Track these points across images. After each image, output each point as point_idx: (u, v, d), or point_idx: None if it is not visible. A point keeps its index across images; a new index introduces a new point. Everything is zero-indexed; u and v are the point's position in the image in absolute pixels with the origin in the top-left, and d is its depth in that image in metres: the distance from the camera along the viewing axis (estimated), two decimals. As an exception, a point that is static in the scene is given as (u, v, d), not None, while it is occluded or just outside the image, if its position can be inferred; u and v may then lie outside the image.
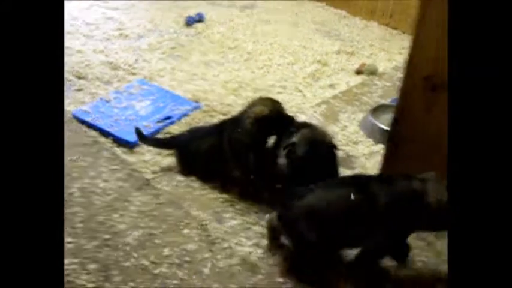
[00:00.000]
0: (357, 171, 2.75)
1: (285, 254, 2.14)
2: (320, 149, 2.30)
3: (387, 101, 3.38)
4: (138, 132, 2.71)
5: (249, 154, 2.46)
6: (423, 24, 2.08)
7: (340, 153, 2.86)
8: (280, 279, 2.05)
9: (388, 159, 2.42)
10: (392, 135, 2.36)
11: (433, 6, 2.02)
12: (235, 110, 3.19)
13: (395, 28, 4.70)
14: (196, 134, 2.70)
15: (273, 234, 2.16)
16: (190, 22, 4.51)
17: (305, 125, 2.48)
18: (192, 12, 4.64)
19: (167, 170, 2.68)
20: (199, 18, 4.59)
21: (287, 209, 2.01)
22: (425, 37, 2.12)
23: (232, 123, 2.52)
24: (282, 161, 2.32)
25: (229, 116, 2.86)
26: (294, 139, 2.28)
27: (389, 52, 4.26)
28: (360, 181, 2.04)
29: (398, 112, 2.30)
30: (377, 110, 3.16)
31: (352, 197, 1.91)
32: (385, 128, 2.87)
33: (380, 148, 2.90)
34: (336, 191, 2.00)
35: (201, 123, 3.09)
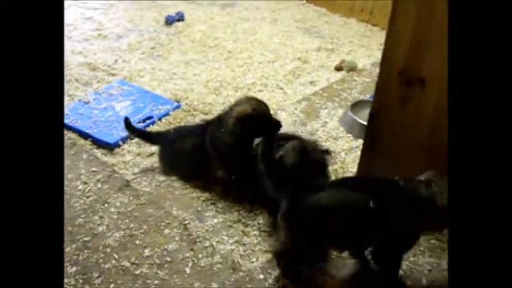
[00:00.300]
0: (337, 166, 2.77)
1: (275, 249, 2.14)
2: (309, 156, 2.24)
3: (366, 96, 3.41)
4: (127, 122, 2.69)
5: (231, 154, 2.45)
6: (396, 19, 2.10)
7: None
8: (261, 276, 2.06)
9: (366, 153, 2.44)
10: (369, 130, 2.37)
11: (405, 0, 2.04)
12: (216, 109, 3.21)
13: (375, 25, 4.74)
14: (180, 133, 2.68)
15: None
16: (170, 21, 4.50)
17: (293, 137, 2.44)
18: (172, 11, 4.64)
19: (148, 170, 2.67)
20: (179, 17, 4.58)
21: (297, 203, 1.92)
22: (398, 32, 2.14)
23: (216, 123, 2.49)
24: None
25: (212, 116, 2.84)
26: (281, 152, 2.20)
27: (368, 48, 4.30)
28: (370, 185, 1.98)
29: (375, 107, 2.32)
30: (356, 105, 3.19)
31: (372, 204, 1.85)
32: (365, 123, 2.88)
33: (360, 143, 2.92)
34: (349, 193, 1.91)
35: (183, 123, 3.09)
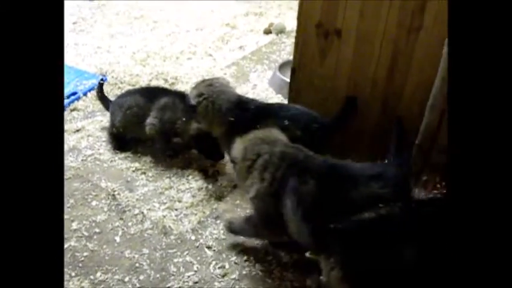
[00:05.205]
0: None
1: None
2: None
3: (295, 57, 3.42)
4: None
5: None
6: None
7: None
8: (193, 237, 2.05)
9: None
10: (292, 84, 2.39)
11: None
12: (143, 80, 3.14)
13: (302, -13, 4.73)
14: (130, 90, 2.73)
15: None
16: (92, -5, 4.33)
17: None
18: (93, -15, 4.45)
19: (73, 147, 2.58)
20: (102, -10, 4.41)
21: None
22: (311, -16, 2.15)
23: (169, 97, 2.48)
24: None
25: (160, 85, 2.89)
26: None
27: (297, 11, 4.28)
28: None
29: (296, 62, 2.34)
30: (284, 66, 3.19)
31: None
32: (292, 82, 2.91)
33: (289, 102, 2.95)
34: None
35: (109, 96, 2.99)
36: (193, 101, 2.19)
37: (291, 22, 4.04)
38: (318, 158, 1.78)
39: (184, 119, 2.38)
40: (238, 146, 1.87)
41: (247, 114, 2.14)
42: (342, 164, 1.78)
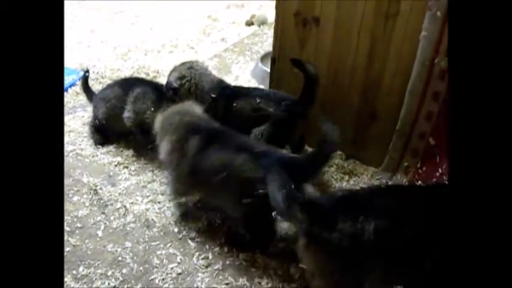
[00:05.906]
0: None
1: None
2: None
3: (277, 48, 3.42)
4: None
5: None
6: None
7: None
8: (176, 230, 2.05)
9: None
10: (272, 74, 2.39)
11: None
12: (124, 75, 3.11)
13: (284, -22, 4.72)
14: (110, 83, 2.70)
15: None
16: (71, -10, 4.27)
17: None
18: (73, -20, 4.40)
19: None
20: (81, -15, 4.36)
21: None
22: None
23: (145, 87, 2.44)
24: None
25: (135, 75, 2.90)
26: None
27: (279, 2, 4.29)
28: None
29: (275, 52, 2.34)
30: (266, 57, 3.18)
31: None
32: (274, 72, 2.91)
33: (272, 93, 2.94)
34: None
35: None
36: (175, 84, 2.22)
37: (272, 14, 4.03)
38: (219, 127, 1.96)
39: (152, 109, 2.35)
40: (157, 119, 2.07)
41: (226, 93, 2.27)
42: (235, 134, 1.91)
